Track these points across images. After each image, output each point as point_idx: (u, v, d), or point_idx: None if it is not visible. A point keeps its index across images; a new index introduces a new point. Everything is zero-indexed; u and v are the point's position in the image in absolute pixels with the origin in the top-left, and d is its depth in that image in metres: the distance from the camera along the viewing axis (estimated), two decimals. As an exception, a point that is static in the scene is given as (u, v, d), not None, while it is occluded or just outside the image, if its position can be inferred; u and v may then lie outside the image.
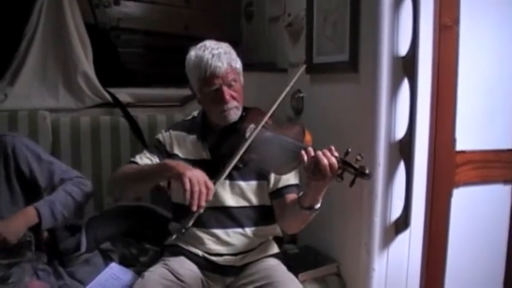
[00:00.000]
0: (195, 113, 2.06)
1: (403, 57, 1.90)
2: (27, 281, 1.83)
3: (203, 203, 1.56)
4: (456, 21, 1.95)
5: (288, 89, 1.82)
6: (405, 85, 1.90)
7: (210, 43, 1.88)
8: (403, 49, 1.89)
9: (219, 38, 1.95)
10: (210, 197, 1.58)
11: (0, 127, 2.30)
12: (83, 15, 2.64)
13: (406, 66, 1.89)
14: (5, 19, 2.71)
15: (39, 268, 1.93)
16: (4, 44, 2.56)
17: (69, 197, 1.94)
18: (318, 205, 1.68)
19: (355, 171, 1.53)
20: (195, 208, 1.54)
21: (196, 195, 1.54)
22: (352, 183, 1.54)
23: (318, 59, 2.33)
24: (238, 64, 1.89)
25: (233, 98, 1.84)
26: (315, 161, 1.54)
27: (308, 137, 1.72)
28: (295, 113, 2.54)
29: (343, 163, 1.54)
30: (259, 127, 1.76)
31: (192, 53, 1.88)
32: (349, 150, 1.56)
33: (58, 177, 1.99)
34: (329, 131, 2.15)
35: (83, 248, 2.13)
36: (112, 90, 2.61)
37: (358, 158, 1.53)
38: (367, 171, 1.51)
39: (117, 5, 3.36)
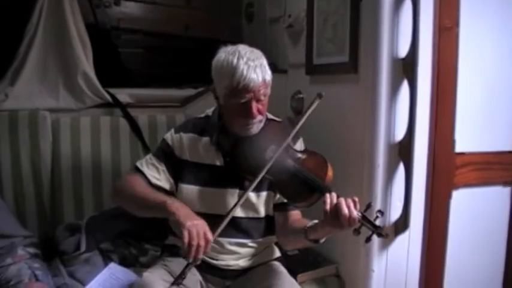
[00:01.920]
0: (209, 112, 1.94)
1: (403, 59, 1.90)
2: (26, 283, 1.83)
3: (200, 256, 1.54)
4: (456, 23, 1.95)
5: (308, 113, 1.74)
6: (405, 86, 1.91)
7: (244, 50, 1.72)
8: (403, 50, 1.90)
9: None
10: (208, 250, 1.56)
11: (1, 127, 2.30)
12: (84, 15, 2.63)
13: (406, 67, 1.89)
14: (5, 19, 2.71)
15: (35, 267, 1.93)
16: (5, 44, 2.56)
17: None
18: (323, 240, 1.67)
19: (374, 229, 1.52)
20: (191, 260, 1.53)
21: (194, 249, 1.51)
22: (368, 240, 1.54)
23: (318, 60, 2.34)
24: (269, 76, 1.75)
25: (259, 112, 1.73)
26: (336, 209, 1.53)
27: (330, 173, 1.66)
28: (295, 113, 2.54)
29: (363, 218, 1.53)
30: (280, 151, 1.67)
31: (223, 56, 1.72)
32: (371, 204, 1.57)
33: None
34: (329, 132, 2.16)
35: (83, 247, 2.14)
36: (112, 90, 2.61)
37: (378, 215, 1.53)
38: (384, 232, 1.53)
39: (118, 5, 3.36)
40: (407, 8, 1.87)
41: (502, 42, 2.08)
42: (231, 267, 1.87)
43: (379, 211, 1.54)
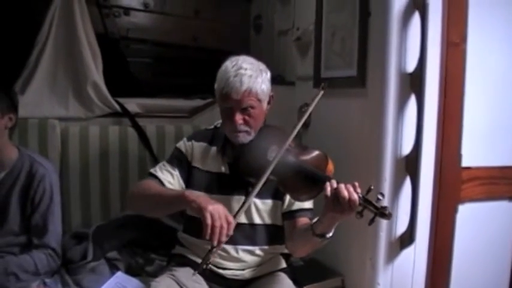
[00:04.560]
0: (218, 123, 1.98)
1: (411, 74, 1.91)
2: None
3: (224, 238, 1.54)
4: (464, 39, 1.97)
5: (310, 109, 1.79)
6: (412, 101, 1.92)
7: (243, 60, 1.79)
8: (411, 65, 1.91)
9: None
10: (231, 232, 1.56)
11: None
12: (93, 25, 2.66)
13: (414, 82, 1.90)
14: (16, 28, 2.74)
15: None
16: (15, 53, 2.58)
17: (32, 264, 1.92)
18: (330, 234, 1.66)
19: (376, 210, 1.51)
20: (215, 243, 1.53)
21: (217, 231, 1.51)
22: (372, 221, 1.53)
23: (326, 73, 2.35)
24: (261, 90, 1.77)
25: (245, 122, 1.77)
26: (336, 194, 1.53)
27: (330, 167, 1.70)
28: (303, 126, 2.54)
29: (364, 201, 1.53)
30: (282, 150, 1.69)
31: (227, 62, 1.80)
32: (372, 187, 1.55)
33: (41, 233, 1.99)
34: (336, 145, 2.16)
35: (90, 256, 2.15)
36: (121, 100, 2.64)
37: (380, 197, 1.52)
38: (387, 211, 1.51)
39: (127, 15, 3.38)
40: (415, 23, 1.89)
41: (509, 58, 2.10)
42: (236, 277, 1.88)
43: (380, 193, 1.53)
